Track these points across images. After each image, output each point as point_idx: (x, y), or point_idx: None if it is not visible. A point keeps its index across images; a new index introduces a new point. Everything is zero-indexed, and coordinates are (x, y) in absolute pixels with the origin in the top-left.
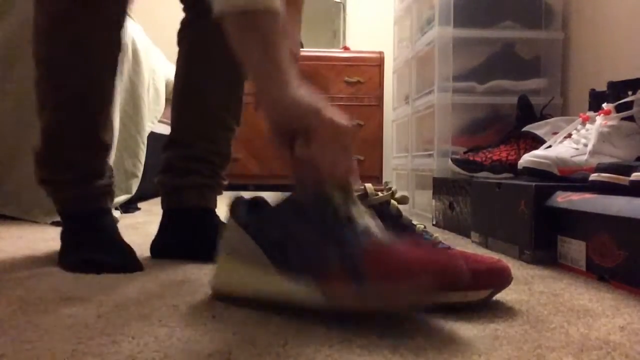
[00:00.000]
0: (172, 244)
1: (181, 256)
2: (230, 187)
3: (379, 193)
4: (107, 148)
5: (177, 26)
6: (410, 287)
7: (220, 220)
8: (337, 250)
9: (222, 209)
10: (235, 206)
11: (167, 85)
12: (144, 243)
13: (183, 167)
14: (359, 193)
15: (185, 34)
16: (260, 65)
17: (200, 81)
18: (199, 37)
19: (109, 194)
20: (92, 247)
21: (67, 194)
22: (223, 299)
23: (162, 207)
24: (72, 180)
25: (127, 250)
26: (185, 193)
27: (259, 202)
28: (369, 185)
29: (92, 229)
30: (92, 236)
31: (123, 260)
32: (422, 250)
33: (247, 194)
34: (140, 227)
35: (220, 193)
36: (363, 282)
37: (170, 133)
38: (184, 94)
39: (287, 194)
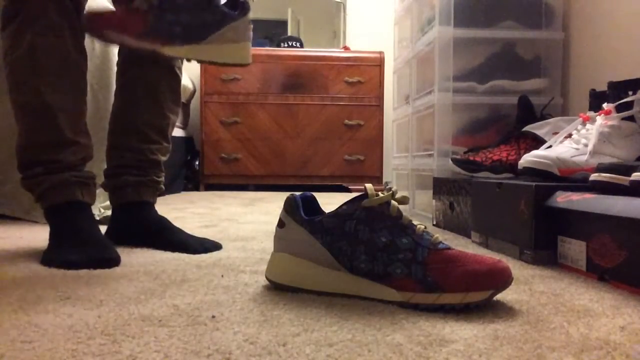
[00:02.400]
0: (118, 233)
1: (127, 241)
2: (231, 187)
3: (379, 193)
4: (74, 144)
5: None
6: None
7: (155, 210)
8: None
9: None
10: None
11: None
12: None
13: (118, 172)
14: (359, 193)
15: (124, 68)
16: None
17: (129, 106)
18: (131, 77)
19: (84, 186)
20: (68, 248)
21: (41, 188)
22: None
23: (111, 205)
24: (43, 172)
25: (103, 246)
26: (122, 191)
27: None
28: (369, 186)
29: (70, 228)
30: (69, 237)
31: (96, 258)
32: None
33: (247, 192)
34: None
35: (157, 188)
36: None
37: (107, 144)
38: (117, 116)
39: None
